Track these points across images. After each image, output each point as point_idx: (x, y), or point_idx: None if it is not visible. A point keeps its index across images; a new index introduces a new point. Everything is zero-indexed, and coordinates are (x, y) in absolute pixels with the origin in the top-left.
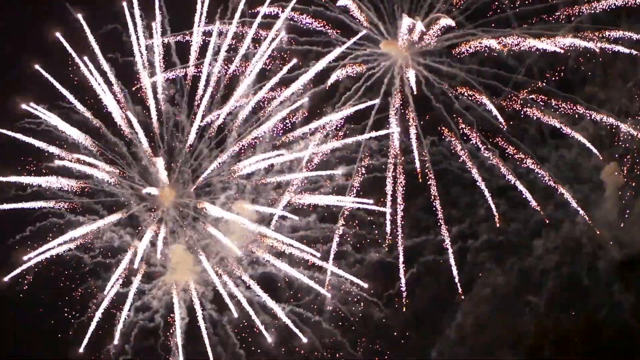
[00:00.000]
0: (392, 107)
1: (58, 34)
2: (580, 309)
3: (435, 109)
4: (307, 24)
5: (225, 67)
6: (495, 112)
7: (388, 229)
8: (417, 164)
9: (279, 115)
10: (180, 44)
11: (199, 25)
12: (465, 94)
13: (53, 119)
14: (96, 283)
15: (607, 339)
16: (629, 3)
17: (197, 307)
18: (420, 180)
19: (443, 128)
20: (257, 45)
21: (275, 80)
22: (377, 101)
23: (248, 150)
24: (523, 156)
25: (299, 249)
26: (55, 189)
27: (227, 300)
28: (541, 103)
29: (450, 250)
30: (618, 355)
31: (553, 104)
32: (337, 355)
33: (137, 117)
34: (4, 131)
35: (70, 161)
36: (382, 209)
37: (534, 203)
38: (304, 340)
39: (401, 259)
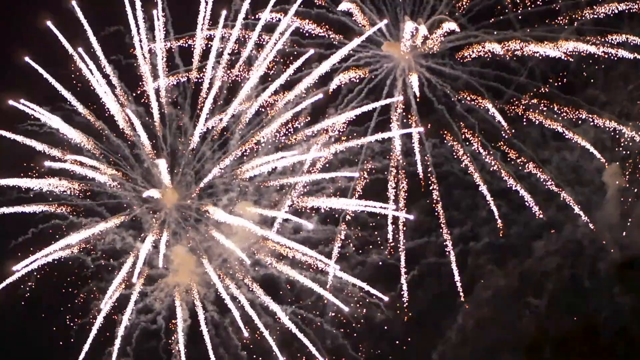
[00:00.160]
0: (395, 113)
1: (60, 35)
2: (581, 311)
3: (437, 111)
4: (309, 30)
5: (228, 73)
6: (498, 117)
7: (390, 231)
8: (419, 167)
9: (283, 118)
10: (184, 46)
11: (202, 30)
12: (468, 98)
13: (53, 120)
14: (99, 285)
15: (607, 340)
16: (631, 8)
17: (199, 308)
18: (423, 183)
19: (445, 132)
20: (260, 50)
21: (290, 71)
22: (379, 103)
23: (251, 153)
24: (525, 159)
25: (306, 254)
26: (57, 192)
27: (235, 312)
28: (543, 108)
29: (452, 254)
30: (618, 357)
31: (555, 109)
32: (339, 357)
33: (140, 119)
34: (6, 133)
35: (72, 163)
36: (403, 214)
37: (535, 208)
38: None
39: (402, 263)
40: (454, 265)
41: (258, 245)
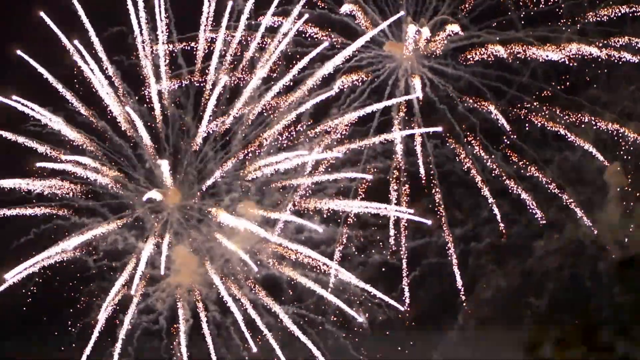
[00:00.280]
0: (397, 118)
1: (62, 36)
2: (581, 311)
3: (439, 111)
4: (311, 34)
5: (231, 75)
6: (503, 121)
7: (391, 232)
8: (422, 168)
9: (286, 119)
10: (187, 49)
11: (205, 31)
12: (470, 101)
13: (55, 121)
14: (101, 285)
15: (607, 340)
16: (635, 12)
17: (201, 309)
18: (425, 183)
19: (448, 136)
20: (263, 53)
21: (304, 62)
22: (382, 104)
23: (254, 155)
24: (527, 161)
25: (309, 256)
26: (59, 194)
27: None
28: (545, 111)
29: (453, 255)
30: (618, 357)
31: (557, 112)
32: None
33: (142, 119)
34: (6, 134)
35: (69, 164)
36: (424, 220)
37: (537, 212)
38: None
39: (404, 264)
40: (455, 267)
41: (260, 245)
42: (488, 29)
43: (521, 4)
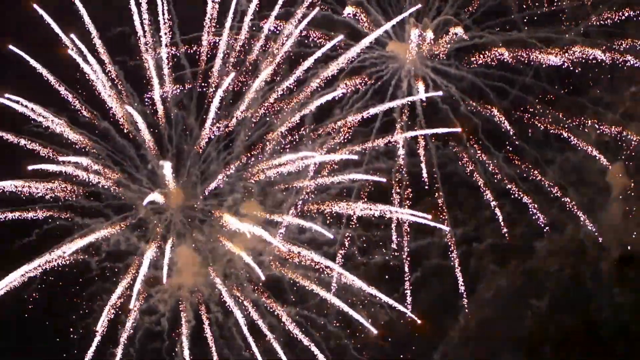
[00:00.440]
0: (400, 122)
1: (63, 37)
2: (582, 311)
3: (441, 111)
4: (314, 39)
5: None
6: (505, 124)
7: (394, 235)
8: (424, 168)
9: (290, 120)
10: (190, 53)
11: (207, 34)
12: (473, 104)
13: (57, 122)
14: (104, 286)
15: (607, 340)
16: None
17: (203, 309)
18: (427, 182)
19: (449, 138)
20: (266, 56)
21: (317, 55)
22: (385, 106)
23: (257, 157)
24: (529, 164)
25: (311, 259)
26: (61, 196)
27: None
28: (548, 114)
29: (455, 254)
30: (618, 358)
31: (559, 114)
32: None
33: (145, 120)
34: (7, 136)
35: (74, 165)
36: (440, 225)
37: (538, 214)
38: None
39: (407, 265)
40: (457, 269)
41: (263, 245)
42: (490, 30)
43: (524, 7)
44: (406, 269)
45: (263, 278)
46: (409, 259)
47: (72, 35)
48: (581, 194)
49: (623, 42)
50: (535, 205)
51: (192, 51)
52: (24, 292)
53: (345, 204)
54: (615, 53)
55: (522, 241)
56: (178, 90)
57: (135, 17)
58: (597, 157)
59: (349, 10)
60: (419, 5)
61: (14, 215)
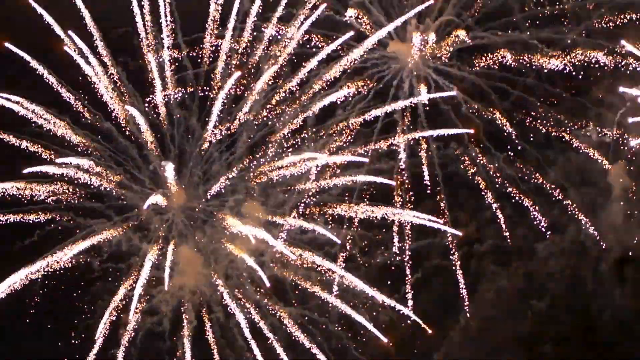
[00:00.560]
0: (400, 125)
1: (63, 35)
2: (582, 311)
3: (443, 112)
4: (316, 43)
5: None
6: (507, 126)
7: (395, 237)
8: (425, 169)
9: (293, 121)
10: (192, 55)
11: (210, 37)
12: (475, 105)
13: (59, 123)
14: (106, 286)
15: (608, 341)
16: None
17: (205, 310)
18: (429, 184)
19: (451, 139)
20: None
21: (321, 55)
22: (387, 108)
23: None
24: (529, 162)
25: (313, 262)
26: (62, 198)
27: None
28: (549, 116)
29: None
30: (619, 358)
31: (561, 116)
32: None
33: (147, 120)
34: (7, 137)
35: (75, 167)
36: (448, 227)
37: (538, 213)
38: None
39: (407, 267)
40: (457, 267)
41: (265, 246)
42: (492, 30)
43: (526, 9)
44: (407, 270)
45: (268, 285)
46: (410, 261)
47: (74, 36)
48: (582, 196)
49: (624, 42)
50: (537, 201)
51: (194, 54)
52: (25, 294)
53: (347, 206)
54: (617, 56)
55: (523, 242)
56: (180, 93)
57: (138, 18)
58: (598, 159)
59: (350, 12)
60: (421, 7)
61: (16, 218)
